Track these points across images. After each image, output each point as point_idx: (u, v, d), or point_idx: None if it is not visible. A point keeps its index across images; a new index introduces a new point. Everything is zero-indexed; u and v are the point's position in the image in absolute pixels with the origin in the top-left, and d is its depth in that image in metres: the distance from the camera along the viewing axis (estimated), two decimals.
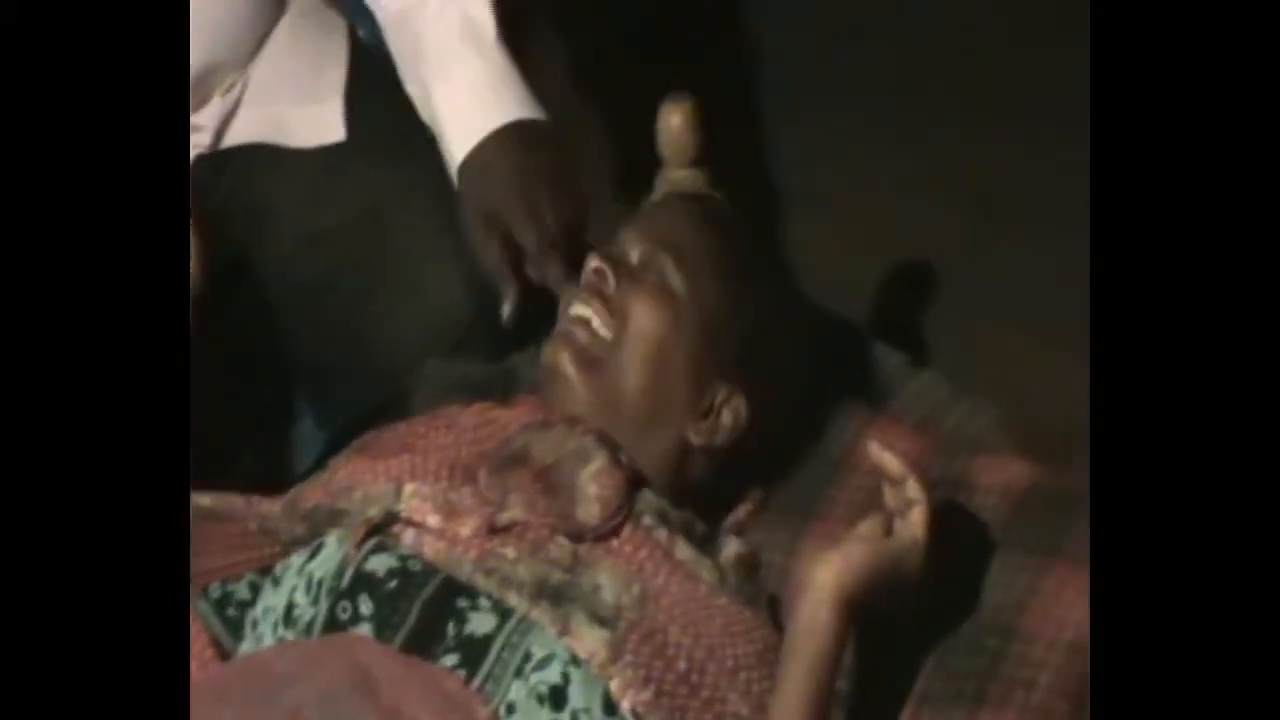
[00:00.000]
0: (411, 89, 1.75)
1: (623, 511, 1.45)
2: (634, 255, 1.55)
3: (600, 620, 1.37)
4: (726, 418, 1.52)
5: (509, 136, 1.68)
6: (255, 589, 1.48)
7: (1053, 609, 1.45)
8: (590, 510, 1.44)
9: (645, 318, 1.50)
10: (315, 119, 1.80)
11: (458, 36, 1.71)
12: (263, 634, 1.44)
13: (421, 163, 1.75)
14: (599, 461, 1.45)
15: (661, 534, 1.46)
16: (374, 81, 1.83)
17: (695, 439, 1.51)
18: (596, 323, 1.52)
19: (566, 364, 1.51)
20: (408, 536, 1.44)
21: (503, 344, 1.72)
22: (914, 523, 1.39)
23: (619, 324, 1.51)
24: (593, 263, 1.53)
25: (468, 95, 1.70)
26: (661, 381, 1.50)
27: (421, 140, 1.75)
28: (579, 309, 1.53)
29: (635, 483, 1.47)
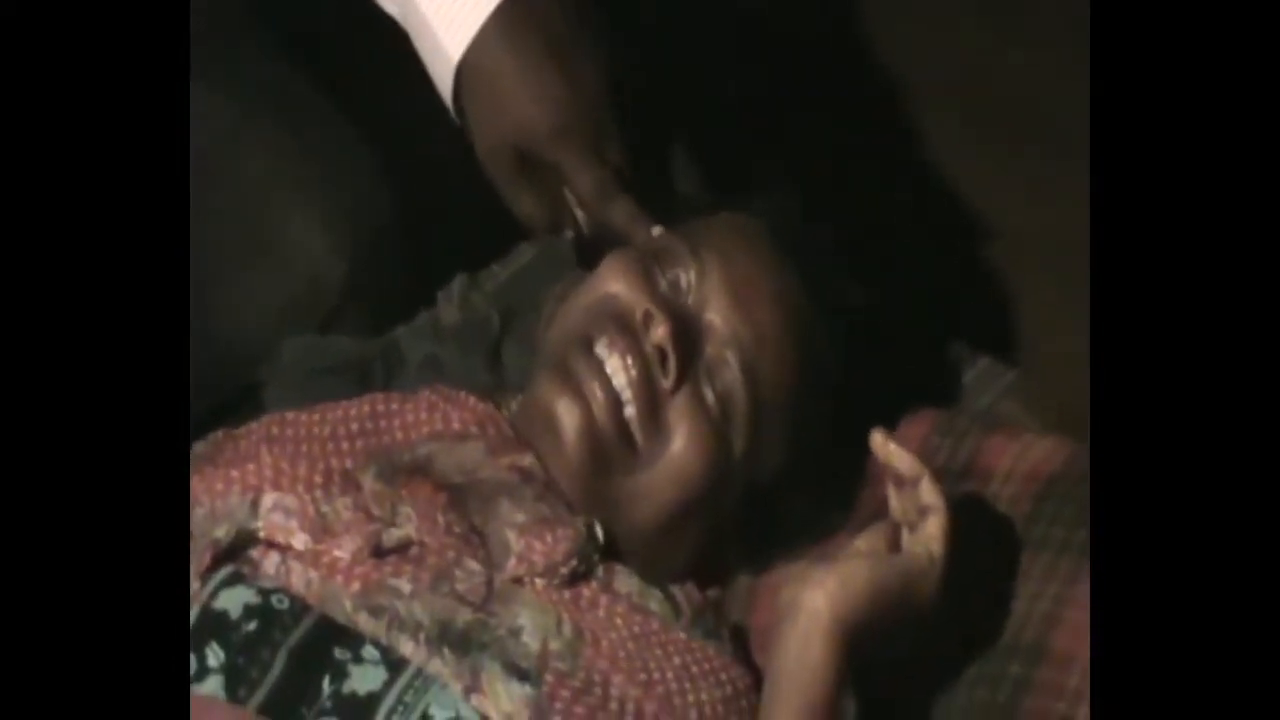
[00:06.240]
0: None
1: (554, 576, 1.27)
2: (708, 339, 1.30)
3: (520, 672, 1.22)
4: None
5: (521, 12, 1.31)
6: None
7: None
8: (504, 561, 1.26)
9: (688, 465, 1.29)
10: None
11: None
12: None
13: (267, 82, 1.51)
14: (535, 514, 1.27)
15: (598, 569, 1.31)
16: None
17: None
18: (632, 418, 1.28)
19: (571, 438, 1.28)
20: (270, 564, 1.26)
21: (386, 313, 1.49)
22: (929, 535, 1.26)
23: (656, 442, 1.29)
24: (660, 328, 1.26)
25: None
26: (671, 535, 1.32)
27: (267, 51, 1.50)
28: (618, 375, 1.28)
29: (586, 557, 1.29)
